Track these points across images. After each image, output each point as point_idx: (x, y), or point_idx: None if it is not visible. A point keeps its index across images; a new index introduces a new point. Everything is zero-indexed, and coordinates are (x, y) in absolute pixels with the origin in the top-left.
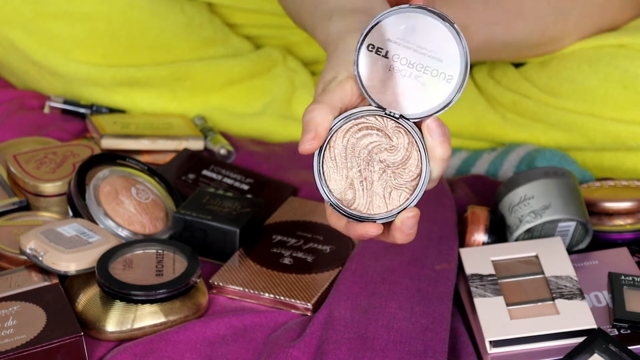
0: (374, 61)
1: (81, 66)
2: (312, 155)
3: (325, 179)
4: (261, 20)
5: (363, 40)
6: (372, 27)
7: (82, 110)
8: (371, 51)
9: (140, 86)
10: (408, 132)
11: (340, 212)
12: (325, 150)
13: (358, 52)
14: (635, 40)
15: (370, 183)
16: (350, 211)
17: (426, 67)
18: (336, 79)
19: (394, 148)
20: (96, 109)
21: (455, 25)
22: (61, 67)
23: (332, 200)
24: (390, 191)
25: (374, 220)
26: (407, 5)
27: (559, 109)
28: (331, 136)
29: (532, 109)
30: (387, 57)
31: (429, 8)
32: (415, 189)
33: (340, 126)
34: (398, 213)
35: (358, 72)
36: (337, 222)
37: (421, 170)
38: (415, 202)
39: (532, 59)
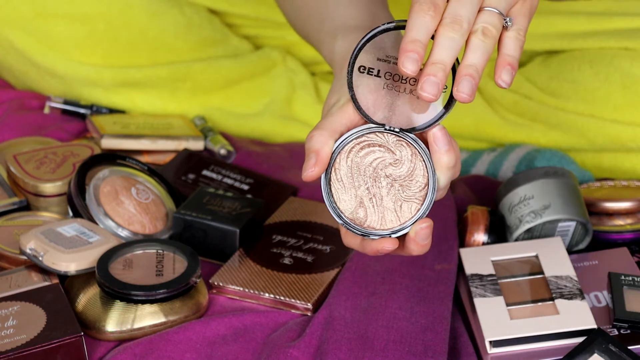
0: (367, 82)
1: (81, 67)
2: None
3: (334, 201)
4: (259, 21)
5: (353, 64)
6: (359, 50)
7: (82, 111)
8: (363, 72)
9: (139, 87)
10: (410, 144)
11: (354, 232)
12: (330, 173)
13: (350, 76)
14: (638, 44)
15: (380, 199)
16: (364, 229)
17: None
18: (338, 102)
19: (398, 161)
20: (96, 109)
21: None
22: (61, 67)
23: (344, 220)
24: (401, 204)
25: (388, 235)
26: (390, 24)
27: (559, 110)
28: (335, 158)
29: (533, 109)
30: (379, 76)
31: None
32: (424, 199)
33: (342, 147)
34: (412, 224)
35: (353, 96)
36: (352, 241)
37: (428, 180)
38: (426, 211)
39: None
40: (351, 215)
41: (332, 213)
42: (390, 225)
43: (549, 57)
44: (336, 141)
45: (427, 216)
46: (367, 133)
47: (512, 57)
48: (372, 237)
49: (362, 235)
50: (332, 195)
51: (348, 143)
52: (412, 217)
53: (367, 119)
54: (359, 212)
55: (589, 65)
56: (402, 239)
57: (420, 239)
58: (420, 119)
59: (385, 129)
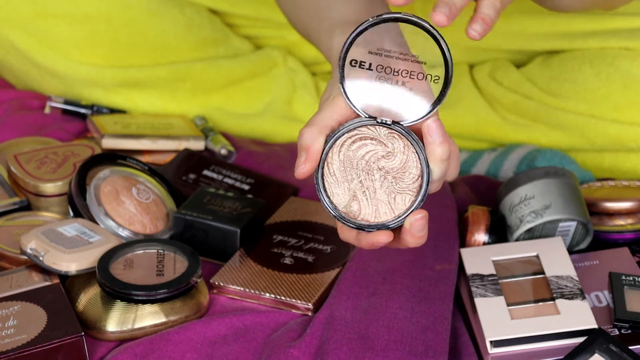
0: (359, 75)
1: (81, 67)
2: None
3: (328, 195)
4: (260, 21)
5: (344, 58)
6: (350, 44)
7: (82, 111)
8: (354, 66)
9: (140, 87)
10: (402, 136)
11: (349, 225)
12: (323, 167)
13: (342, 70)
14: (638, 43)
15: (373, 192)
16: (358, 222)
17: (411, 72)
18: (330, 98)
19: (391, 154)
20: (97, 109)
21: (430, 29)
22: (61, 67)
23: (338, 214)
24: (395, 196)
25: (383, 228)
26: (379, 17)
27: (559, 110)
28: (327, 153)
29: (533, 109)
30: (371, 69)
31: (402, 16)
32: (418, 191)
33: (334, 142)
34: (406, 217)
35: (344, 90)
36: (348, 235)
37: (421, 171)
38: (420, 203)
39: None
40: (345, 209)
41: (326, 207)
42: (384, 217)
43: (550, 57)
44: (328, 136)
45: (422, 208)
46: (359, 126)
47: (487, 15)
48: (366, 230)
49: (356, 228)
50: (326, 190)
51: (340, 137)
52: (407, 209)
53: (358, 113)
54: (352, 206)
55: (590, 65)
56: (397, 231)
57: (415, 231)
58: (412, 112)
59: (377, 122)
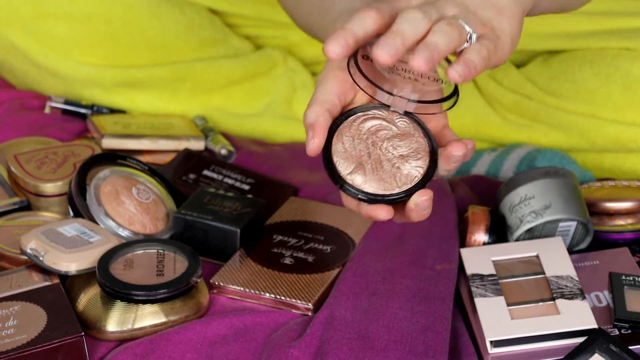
0: (371, 66)
1: (81, 67)
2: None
3: (334, 163)
4: (260, 21)
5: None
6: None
7: (82, 111)
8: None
9: (140, 87)
10: (413, 122)
11: (350, 194)
12: (333, 137)
13: (355, 58)
14: (638, 44)
15: (380, 164)
16: (361, 190)
17: None
18: (322, 76)
19: (400, 135)
20: (97, 109)
21: None
22: (61, 67)
23: (342, 183)
24: (400, 172)
25: (385, 201)
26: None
27: (560, 110)
28: (339, 125)
29: (534, 109)
30: None
31: None
32: (424, 172)
33: (347, 117)
34: (408, 194)
35: (360, 69)
36: (351, 202)
37: (429, 153)
38: (424, 186)
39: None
40: (350, 177)
41: (330, 175)
42: (387, 191)
43: (550, 57)
44: (340, 113)
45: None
46: (373, 109)
47: (471, 60)
48: (368, 201)
49: (358, 198)
50: (332, 158)
51: (353, 115)
52: (410, 187)
53: (364, 90)
54: (357, 177)
55: (590, 66)
56: (400, 206)
57: (421, 209)
58: (425, 96)
59: (391, 110)
